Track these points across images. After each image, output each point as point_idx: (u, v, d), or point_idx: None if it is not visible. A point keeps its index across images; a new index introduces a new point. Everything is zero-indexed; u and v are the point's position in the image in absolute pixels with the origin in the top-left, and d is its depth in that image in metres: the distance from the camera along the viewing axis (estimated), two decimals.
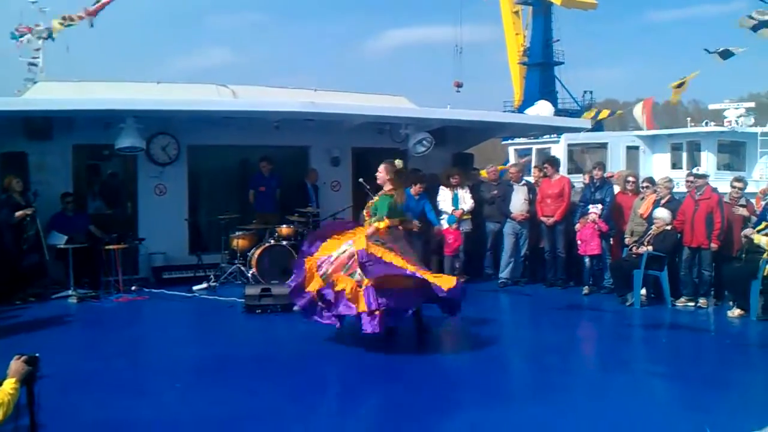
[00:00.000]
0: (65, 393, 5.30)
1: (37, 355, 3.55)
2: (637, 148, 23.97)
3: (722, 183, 12.44)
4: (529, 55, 45.37)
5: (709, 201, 8.89)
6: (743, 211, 9.03)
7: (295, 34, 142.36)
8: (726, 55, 22.44)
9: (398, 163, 7.23)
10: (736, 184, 9.35)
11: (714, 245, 8.79)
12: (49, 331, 7.86)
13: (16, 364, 3.46)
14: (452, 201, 10.67)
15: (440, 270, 9.53)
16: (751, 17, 18.51)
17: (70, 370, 6.03)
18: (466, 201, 10.74)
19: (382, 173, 7.13)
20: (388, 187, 7.09)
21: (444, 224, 10.48)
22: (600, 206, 9.84)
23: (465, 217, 10.67)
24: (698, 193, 9.05)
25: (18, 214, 9.30)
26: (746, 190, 9.68)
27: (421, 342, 7.26)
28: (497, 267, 10.98)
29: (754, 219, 8.90)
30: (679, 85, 27.62)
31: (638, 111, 27.79)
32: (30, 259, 9.49)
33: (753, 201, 9.35)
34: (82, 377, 6.02)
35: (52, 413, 4.16)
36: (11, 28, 17.68)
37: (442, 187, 10.81)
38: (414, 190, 10.13)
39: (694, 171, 10.67)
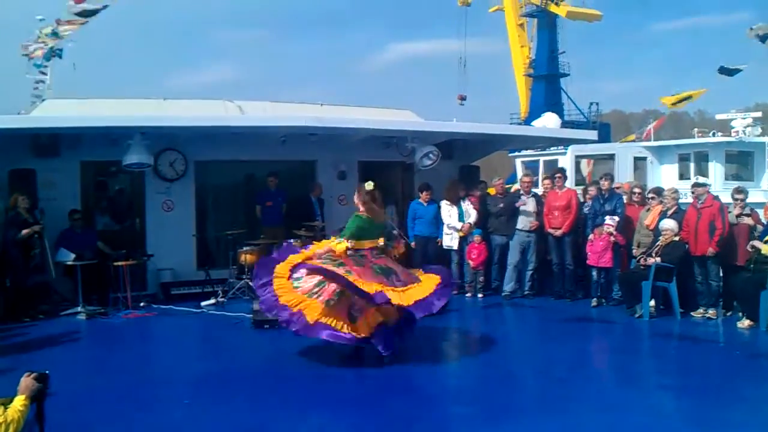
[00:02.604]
0: (74, 410, 5.32)
1: (46, 372, 3.58)
2: (644, 159, 23.92)
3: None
4: (535, 67, 45.53)
5: (711, 208, 8.87)
6: (748, 220, 8.99)
7: (297, 50, 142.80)
8: (732, 72, 22.65)
9: (368, 185, 7.26)
10: (738, 195, 9.26)
11: (712, 249, 8.75)
12: (58, 348, 7.89)
13: (26, 381, 3.49)
14: (458, 215, 10.71)
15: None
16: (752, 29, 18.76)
17: (79, 386, 6.05)
18: (471, 214, 10.80)
19: (354, 198, 7.28)
20: (360, 209, 7.17)
21: (446, 239, 10.76)
22: (616, 218, 9.76)
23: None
24: (700, 202, 9.04)
25: (24, 232, 9.32)
26: (755, 200, 9.61)
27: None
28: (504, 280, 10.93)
29: (759, 228, 8.86)
30: (682, 100, 27.70)
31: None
32: (35, 278, 9.51)
33: (760, 211, 9.28)
34: (91, 394, 6.03)
35: (61, 430, 4.18)
36: (19, 47, 17.72)
37: (444, 202, 10.83)
38: (423, 197, 10.77)
39: (695, 180, 10.63)
